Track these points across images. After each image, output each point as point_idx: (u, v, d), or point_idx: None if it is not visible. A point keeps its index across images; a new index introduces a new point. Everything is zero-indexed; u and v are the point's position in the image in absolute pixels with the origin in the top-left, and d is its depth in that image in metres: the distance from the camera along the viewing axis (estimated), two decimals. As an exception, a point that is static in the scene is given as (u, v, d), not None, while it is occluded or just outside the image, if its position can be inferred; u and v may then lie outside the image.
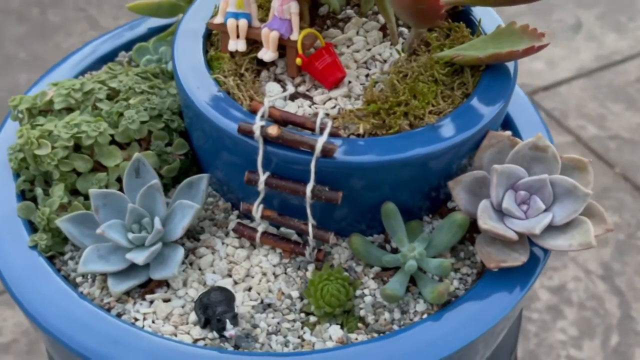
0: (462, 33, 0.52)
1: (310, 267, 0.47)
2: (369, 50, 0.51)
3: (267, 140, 0.43)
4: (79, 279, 0.46)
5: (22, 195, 0.50)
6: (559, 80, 1.48)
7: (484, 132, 0.46)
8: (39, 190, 0.49)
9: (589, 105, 1.42)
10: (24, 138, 0.48)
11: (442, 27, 0.53)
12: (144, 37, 0.63)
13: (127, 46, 0.62)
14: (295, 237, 0.48)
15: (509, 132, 0.49)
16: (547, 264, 1.17)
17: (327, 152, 0.42)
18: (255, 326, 0.44)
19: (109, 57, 0.62)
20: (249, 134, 0.43)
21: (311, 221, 0.45)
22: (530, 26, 0.48)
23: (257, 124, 0.43)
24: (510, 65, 0.50)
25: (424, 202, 0.49)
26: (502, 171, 0.45)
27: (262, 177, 0.44)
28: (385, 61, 0.50)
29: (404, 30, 0.54)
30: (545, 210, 0.45)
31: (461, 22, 0.53)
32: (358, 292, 0.45)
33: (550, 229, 0.44)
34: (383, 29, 0.53)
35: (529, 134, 0.54)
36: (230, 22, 0.47)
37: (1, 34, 1.50)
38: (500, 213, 0.45)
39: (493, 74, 0.49)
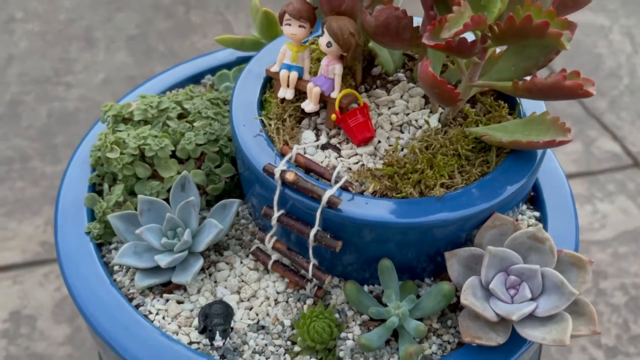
0: (500, 112, 0.55)
1: (309, 301, 0.52)
2: (407, 114, 0.55)
3: (285, 183, 0.49)
4: (116, 268, 0.55)
5: (93, 187, 0.60)
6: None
7: (488, 212, 0.49)
8: (105, 186, 0.59)
9: None
10: (102, 141, 0.58)
11: (485, 103, 0.56)
12: (232, 64, 0.72)
13: (214, 70, 0.71)
14: (303, 271, 0.54)
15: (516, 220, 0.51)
16: (620, 347, 1.11)
17: (332, 204, 0.48)
18: (244, 342, 0.50)
19: (197, 78, 0.71)
20: (271, 175, 0.50)
21: (312, 261, 0.51)
22: (560, 119, 0.50)
23: (279, 168, 0.49)
24: (539, 150, 0.52)
25: (427, 265, 0.53)
26: (496, 254, 0.47)
27: (276, 213, 0.50)
28: (420, 127, 0.54)
29: (448, 100, 0.57)
30: (531, 299, 0.47)
31: (503, 102, 0.55)
32: (343, 335, 0.50)
33: (532, 318, 0.46)
34: (427, 96, 0.57)
35: (556, 218, 0.56)
36: (283, 73, 0.54)
37: (149, 27, 1.68)
38: (488, 292, 0.48)
39: (517, 157, 0.51)
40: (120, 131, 0.60)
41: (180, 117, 0.62)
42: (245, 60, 0.71)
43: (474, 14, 0.46)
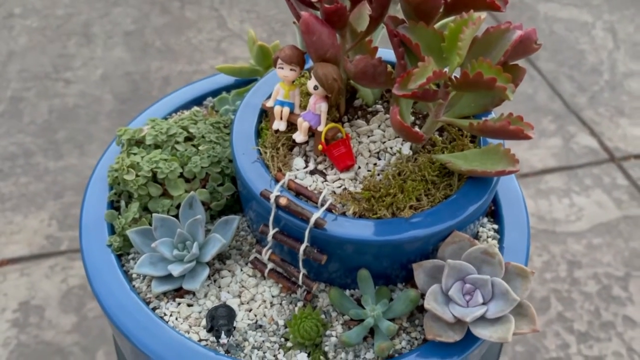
0: (463, 141, 0.65)
1: (300, 304, 0.64)
2: (383, 142, 0.66)
3: (279, 206, 0.60)
4: (134, 276, 0.66)
5: (111, 204, 0.71)
6: (655, 151, 1.50)
7: (449, 230, 0.60)
8: (122, 203, 0.70)
9: (680, 182, 1.44)
10: (119, 164, 0.69)
11: (451, 132, 0.67)
12: (231, 87, 0.82)
13: (215, 93, 0.82)
14: (294, 278, 0.65)
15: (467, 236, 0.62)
16: (592, 333, 1.23)
17: (318, 225, 0.59)
18: (245, 339, 0.61)
19: (199, 100, 0.81)
20: (267, 199, 0.61)
21: (302, 271, 0.62)
22: (511, 151, 0.61)
23: (274, 193, 0.60)
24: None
25: (399, 272, 0.64)
26: (454, 266, 0.59)
27: (271, 231, 0.61)
28: (394, 154, 0.65)
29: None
30: (483, 304, 0.58)
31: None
32: (327, 332, 0.62)
33: (483, 319, 0.58)
34: (401, 126, 0.67)
35: (511, 231, 0.67)
36: (277, 108, 0.65)
37: (145, 22, 1.77)
38: (447, 298, 0.59)
39: (476, 182, 0.63)
40: (134, 154, 0.70)
41: (187, 139, 0.72)
42: (243, 83, 0.82)
43: (437, 66, 0.56)
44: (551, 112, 1.56)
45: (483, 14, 0.57)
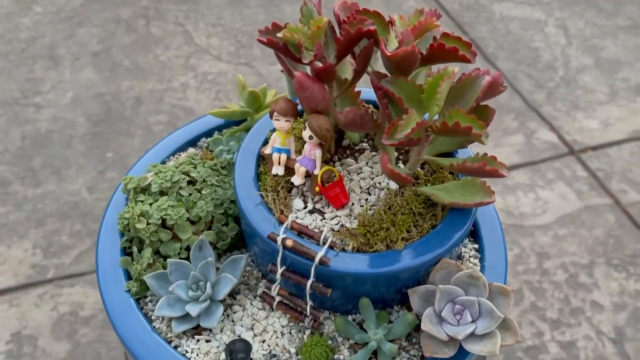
0: (443, 174, 0.74)
1: (308, 332, 0.72)
2: (372, 179, 0.74)
3: (286, 247, 0.68)
4: (154, 317, 0.73)
5: (124, 250, 0.77)
6: (610, 141, 1.62)
7: (438, 258, 0.69)
8: (135, 249, 0.77)
9: (634, 170, 1.56)
10: (130, 213, 0.75)
11: (432, 164, 0.76)
12: (222, 127, 0.89)
13: (208, 133, 0.89)
14: (301, 308, 0.73)
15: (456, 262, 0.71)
16: (563, 319, 1.34)
17: (322, 262, 0.67)
18: (262, 369, 0.69)
19: (193, 141, 0.88)
20: (274, 241, 0.68)
21: (309, 303, 0.70)
22: (487, 183, 0.70)
23: (280, 236, 0.68)
24: (473, 206, 0.72)
25: (395, 296, 0.73)
26: (444, 290, 0.68)
27: (280, 270, 0.69)
28: (383, 189, 0.74)
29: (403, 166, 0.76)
30: (472, 322, 0.67)
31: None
32: (336, 357, 0.70)
33: (473, 336, 0.67)
34: (387, 162, 0.75)
35: (490, 250, 0.77)
36: (275, 155, 0.72)
37: (111, 41, 1.81)
38: (440, 318, 0.68)
39: (458, 211, 0.71)
40: (141, 202, 0.77)
41: (189, 182, 0.79)
42: (234, 122, 0.89)
43: (418, 115, 0.65)
44: (512, 110, 1.66)
45: (456, 68, 0.65)
